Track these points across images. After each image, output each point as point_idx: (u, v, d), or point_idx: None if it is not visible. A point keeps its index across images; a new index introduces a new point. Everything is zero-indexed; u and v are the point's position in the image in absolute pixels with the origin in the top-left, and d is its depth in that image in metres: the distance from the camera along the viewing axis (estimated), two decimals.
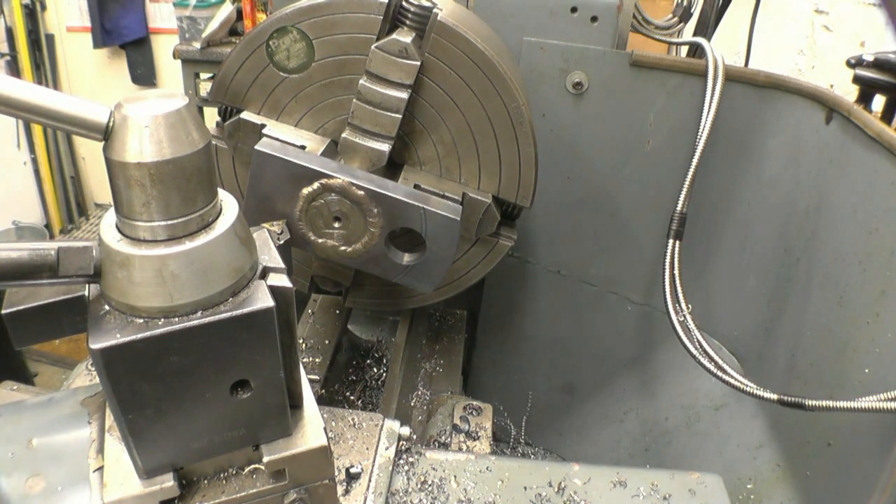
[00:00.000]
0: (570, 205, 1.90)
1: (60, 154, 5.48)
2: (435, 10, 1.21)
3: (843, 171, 1.45)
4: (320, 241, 1.28)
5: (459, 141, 1.32)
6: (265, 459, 0.76)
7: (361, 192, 1.21)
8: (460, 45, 1.23)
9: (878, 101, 1.46)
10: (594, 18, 1.68)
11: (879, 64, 1.42)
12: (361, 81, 1.23)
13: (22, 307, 0.68)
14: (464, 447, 1.40)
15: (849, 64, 1.46)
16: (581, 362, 2.14)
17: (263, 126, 1.30)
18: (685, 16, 2.19)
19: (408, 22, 1.24)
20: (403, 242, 1.32)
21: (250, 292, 0.69)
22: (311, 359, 1.65)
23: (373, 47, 1.21)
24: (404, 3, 1.24)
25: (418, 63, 1.21)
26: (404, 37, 1.21)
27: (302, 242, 1.28)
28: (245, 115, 1.31)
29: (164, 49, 5.04)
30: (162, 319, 0.64)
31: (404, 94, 1.23)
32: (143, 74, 5.19)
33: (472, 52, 1.23)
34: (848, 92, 1.52)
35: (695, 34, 2.48)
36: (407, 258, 1.31)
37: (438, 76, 1.26)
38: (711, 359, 1.53)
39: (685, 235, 1.65)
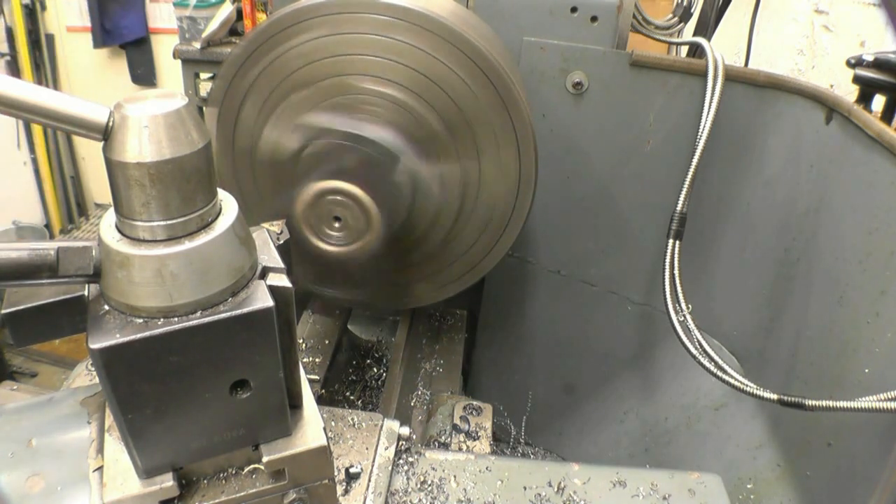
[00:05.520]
0: (570, 205, 1.90)
1: (60, 154, 5.48)
2: None
3: (843, 171, 1.45)
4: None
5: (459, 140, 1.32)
6: (265, 459, 0.76)
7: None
8: (460, 45, 1.23)
9: (879, 101, 1.46)
10: (594, 18, 1.68)
11: (879, 64, 1.42)
12: None
13: (22, 307, 0.68)
14: (464, 447, 1.40)
15: (849, 64, 1.46)
16: (581, 362, 2.14)
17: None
18: (685, 16, 2.19)
19: None
20: None
21: (250, 292, 0.69)
22: (311, 359, 1.65)
23: None
24: None
25: None
26: None
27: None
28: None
29: (164, 49, 5.03)
30: (161, 319, 0.64)
31: None
32: (143, 74, 5.18)
33: (473, 52, 1.23)
34: (848, 92, 1.52)
35: (695, 34, 2.48)
36: None
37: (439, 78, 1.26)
38: (711, 359, 1.53)
39: (685, 235, 1.65)
